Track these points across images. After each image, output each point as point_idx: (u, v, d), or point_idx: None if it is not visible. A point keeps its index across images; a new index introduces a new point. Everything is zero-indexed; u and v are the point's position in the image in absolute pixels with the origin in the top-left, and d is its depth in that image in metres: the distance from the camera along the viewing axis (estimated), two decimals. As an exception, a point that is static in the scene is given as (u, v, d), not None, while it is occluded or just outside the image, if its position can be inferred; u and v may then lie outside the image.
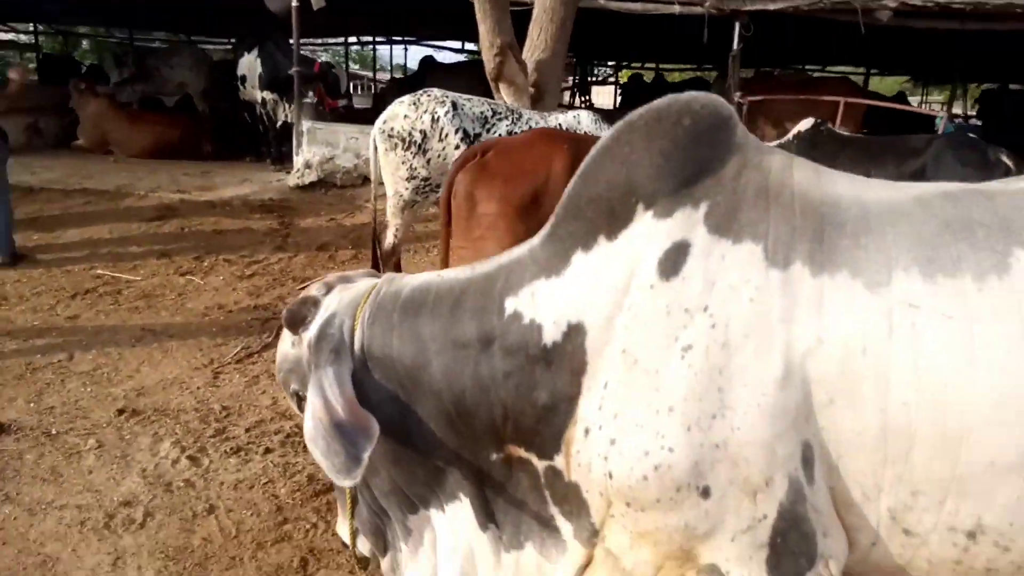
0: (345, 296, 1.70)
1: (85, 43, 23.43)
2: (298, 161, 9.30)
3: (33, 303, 5.48)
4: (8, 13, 16.55)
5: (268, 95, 10.47)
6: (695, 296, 1.30)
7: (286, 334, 1.76)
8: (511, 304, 1.50)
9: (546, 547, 1.59)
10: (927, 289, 1.23)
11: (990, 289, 1.21)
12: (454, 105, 4.93)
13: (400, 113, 4.97)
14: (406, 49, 23.91)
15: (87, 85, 11.31)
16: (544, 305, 1.46)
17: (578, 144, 3.34)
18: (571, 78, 20.26)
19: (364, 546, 1.90)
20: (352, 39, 21.12)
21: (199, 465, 3.38)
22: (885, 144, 5.76)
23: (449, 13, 9.46)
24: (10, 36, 19.48)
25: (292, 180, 9.21)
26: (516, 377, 1.47)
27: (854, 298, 1.25)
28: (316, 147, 9.20)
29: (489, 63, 7.25)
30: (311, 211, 8.28)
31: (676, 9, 8.69)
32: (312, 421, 1.54)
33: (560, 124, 5.12)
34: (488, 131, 5.01)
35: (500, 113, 5.12)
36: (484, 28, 7.22)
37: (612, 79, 22.04)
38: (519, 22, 7.71)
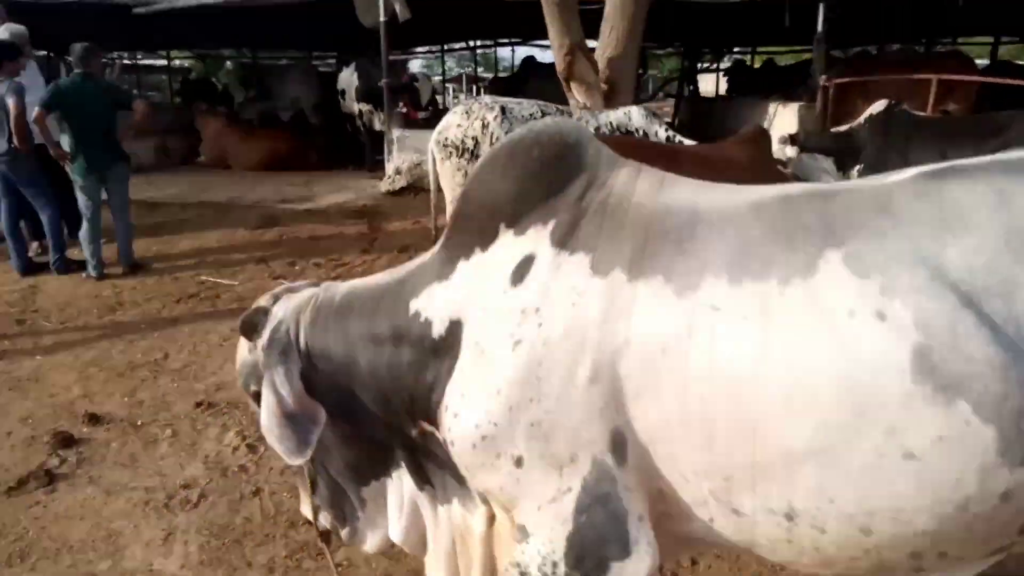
0: (290, 304, 1.96)
1: (229, 64, 25.26)
2: (389, 168, 9.79)
3: (143, 308, 6.11)
4: (149, 42, 18.17)
5: (364, 106, 11.08)
6: (532, 300, 1.48)
7: (243, 341, 2.01)
8: (414, 305, 1.72)
9: (465, 501, 1.85)
10: (731, 292, 1.33)
11: (791, 291, 1.28)
12: (503, 110, 5.11)
13: (453, 122, 5.20)
14: (513, 50, 24.29)
15: (207, 106, 12.35)
16: (436, 305, 1.67)
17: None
18: (682, 66, 19.98)
19: (326, 520, 2.15)
20: (460, 44, 21.71)
21: (255, 452, 3.73)
22: (964, 123, 5.45)
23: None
24: (162, 62, 21.30)
25: (384, 186, 9.71)
26: (416, 366, 1.70)
27: (662, 302, 1.38)
28: (406, 154, 9.65)
29: (560, 63, 7.40)
30: (399, 215, 8.71)
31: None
32: (266, 413, 1.80)
33: (611, 122, 5.19)
34: (539, 133, 5.15)
35: (550, 115, 5.25)
36: (553, 30, 7.37)
37: (714, 67, 21.54)
38: (592, 21, 7.79)
